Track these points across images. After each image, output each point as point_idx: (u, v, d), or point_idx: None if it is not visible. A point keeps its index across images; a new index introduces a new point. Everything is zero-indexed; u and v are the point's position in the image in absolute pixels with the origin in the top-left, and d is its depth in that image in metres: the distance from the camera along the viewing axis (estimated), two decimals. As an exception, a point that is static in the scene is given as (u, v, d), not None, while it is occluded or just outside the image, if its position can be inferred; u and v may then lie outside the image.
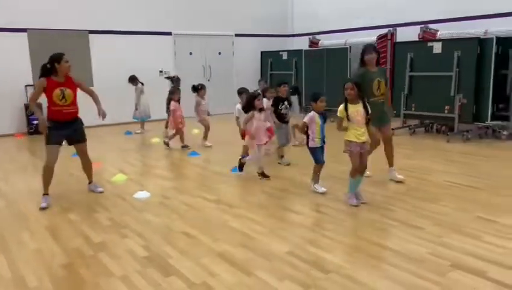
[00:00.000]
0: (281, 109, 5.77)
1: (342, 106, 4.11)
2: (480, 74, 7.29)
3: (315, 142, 4.54)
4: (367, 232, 3.62)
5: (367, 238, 3.47)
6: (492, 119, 7.37)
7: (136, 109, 8.99)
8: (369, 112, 4.14)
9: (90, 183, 4.94)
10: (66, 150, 4.98)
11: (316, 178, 4.64)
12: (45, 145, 4.43)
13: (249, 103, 5.16)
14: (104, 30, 10.02)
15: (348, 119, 4.08)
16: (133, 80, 8.95)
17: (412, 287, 2.66)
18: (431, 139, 7.71)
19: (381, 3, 10.28)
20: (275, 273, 2.88)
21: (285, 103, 5.83)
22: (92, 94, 4.68)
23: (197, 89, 7.44)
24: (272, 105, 5.86)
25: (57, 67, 4.31)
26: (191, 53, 11.57)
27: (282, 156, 5.94)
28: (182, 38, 11.31)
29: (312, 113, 4.55)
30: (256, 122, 5.12)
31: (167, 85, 9.90)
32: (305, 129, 4.57)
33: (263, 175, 5.23)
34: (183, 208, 4.34)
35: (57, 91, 4.32)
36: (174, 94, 7.40)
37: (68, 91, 4.37)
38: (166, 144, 7.37)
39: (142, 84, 8.99)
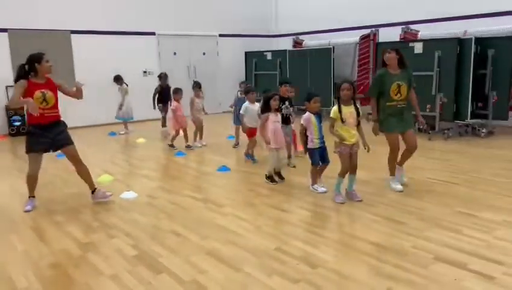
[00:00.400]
0: (281, 109, 5.43)
1: (335, 107, 4.12)
2: (460, 74, 7.48)
3: (314, 143, 4.48)
4: (352, 228, 3.72)
5: (352, 234, 3.56)
6: (472, 118, 7.58)
7: (120, 109, 8.94)
8: (361, 113, 4.20)
9: (93, 192, 4.49)
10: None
11: (313, 179, 4.63)
12: (26, 153, 4.20)
13: (266, 103, 4.99)
14: (86, 30, 9.94)
15: (342, 121, 4.09)
16: (117, 79, 8.91)
17: (395, 280, 2.75)
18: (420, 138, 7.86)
19: (363, 4, 10.44)
20: (264, 269, 2.94)
21: (286, 102, 5.55)
22: (75, 94, 4.37)
23: (192, 87, 7.47)
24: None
25: (38, 67, 4.05)
26: (175, 53, 11.56)
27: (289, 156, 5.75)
28: (166, 38, 11.29)
29: (307, 114, 4.49)
30: (272, 124, 4.95)
31: (151, 85, 9.87)
32: (304, 132, 4.51)
33: (271, 179, 5.03)
34: (171, 207, 4.37)
35: (38, 94, 4.03)
36: (177, 94, 7.19)
37: (50, 94, 4.10)
38: (171, 146, 7.20)
39: (127, 84, 8.97)
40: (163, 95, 8.48)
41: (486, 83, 7.52)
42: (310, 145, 4.52)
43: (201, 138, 7.48)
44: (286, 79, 6.33)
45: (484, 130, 7.56)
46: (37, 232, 3.78)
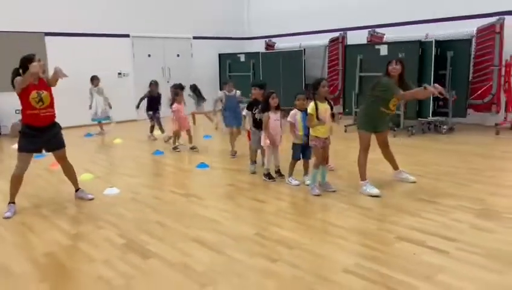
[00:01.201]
0: (255, 113, 5.33)
1: (312, 104, 4.43)
2: (422, 74, 7.97)
3: (298, 138, 4.77)
4: (324, 214, 4.06)
5: (324, 220, 3.90)
6: (433, 116, 8.09)
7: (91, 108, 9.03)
8: (333, 108, 4.55)
9: (77, 190, 4.67)
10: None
11: (290, 171, 4.93)
12: (17, 152, 4.24)
13: (266, 102, 5.03)
14: (60, 32, 9.95)
15: (317, 117, 4.40)
16: (93, 79, 9.01)
17: (363, 256, 3.09)
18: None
19: (332, 8, 10.89)
20: (245, 252, 3.22)
21: (260, 107, 5.28)
22: (50, 81, 4.25)
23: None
24: (246, 108, 5.57)
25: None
26: (149, 55, 11.69)
27: (254, 162, 5.58)
28: (141, 40, 11.41)
29: (294, 111, 4.78)
30: (272, 122, 5.04)
31: (126, 86, 10.08)
32: (293, 129, 4.77)
33: (269, 176, 5.13)
34: (154, 201, 4.59)
35: (34, 94, 4.10)
36: (178, 95, 7.09)
37: (45, 93, 4.16)
38: (175, 149, 7.10)
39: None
40: (153, 103, 8.34)
41: (446, 83, 8.05)
42: (294, 140, 4.83)
43: (190, 141, 7.66)
44: (258, 82, 5.90)
45: (445, 127, 8.09)
46: (25, 225, 3.92)
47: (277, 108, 5.04)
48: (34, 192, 4.94)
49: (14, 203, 4.28)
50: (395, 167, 5.01)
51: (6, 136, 9.21)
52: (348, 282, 2.73)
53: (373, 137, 4.77)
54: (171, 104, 7.33)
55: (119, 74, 11.03)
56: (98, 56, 10.41)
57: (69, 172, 4.62)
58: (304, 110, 4.71)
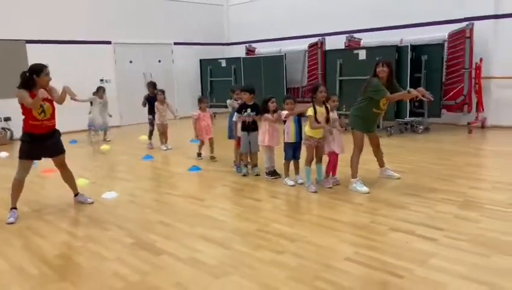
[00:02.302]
0: (245, 116, 5.47)
1: (311, 108, 4.69)
2: (399, 77, 8.34)
3: (290, 137, 4.99)
4: (319, 210, 4.31)
5: (320, 215, 4.14)
6: (410, 116, 8.50)
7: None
8: (329, 111, 4.80)
9: (76, 195, 4.74)
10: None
11: (285, 172, 5.17)
12: (18, 159, 4.30)
13: (264, 106, 5.26)
14: (42, 40, 9.92)
15: (316, 119, 4.66)
16: (99, 90, 8.97)
17: (361, 246, 3.34)
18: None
19: (311, 14, 11.25)
20: (250, 245, 3.42)
21: (248, 110, 5.49)
22: (58, 99, 4.30)
23: (156, 93, 7.82)
24: (237, 112, 5.64)
25: (36, 80, 4.12)
26: (131, 61, 11.75)
27: (246, 165, 5.72)
28: (122, 47, 11.46)
29: (285, 112, 5.02)
30: (269, 124, 5.25)
31: (109, 92, 10.07)
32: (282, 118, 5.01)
33: (272, 174, 5.38)
34: (153, 203, 4.73)
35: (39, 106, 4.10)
36: (201, 102, 6.81)
37: (47, 105, 4.19)
38: (199, 155, 6.88)
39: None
40: (152, 104, 7.90)
41: (421, 85, 8.47)
42: (286, 139, 5.05)
43: (166, 141, 7.82)
44: (247, 87, 5.79)
45: (421, 127, 8.52)
46: (31, 230, 4.00)
47: (274, 112, 5.25)
48: (32, 198, 4.98)
49: (16, 208, 4.33)
50: (381, 165, 5.31)
51: None
52: (350, 269, 2.97)
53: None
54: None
55: (101, 80, 11.03)
56: (80, 63, 10.44)
57: (69, 177, 4.70)
58: (298, 115, 4.98)
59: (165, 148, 7.74)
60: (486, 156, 6.86)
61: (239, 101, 5.84)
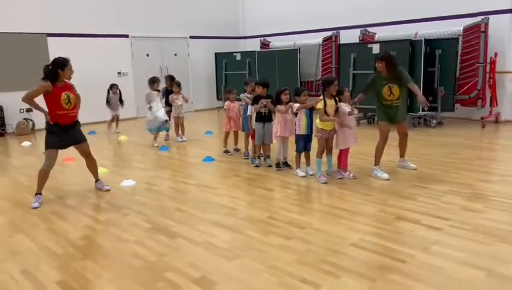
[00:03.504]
0: (261, 108, 5.59)
1: (321, 101, 4.85)
2: (412, 71, 8.40)
3: (301, 129, 5.13)
4: (328, 199, 4.46)
5: (329, 204, 4.29)
6: (423, 110, 8.55)
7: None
8: (338, 104, 4.95)
9: (96, 181, 5.02)
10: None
11: (297, 164, 5.31)
12: (45, 149, 4.54)
13: (277, 97, 5.37)
14: (62, 33, 10.22)
15: (326, 112, 4.83)
16: (154, 82, 7.70)
17: (367, 233, 3.49)
18: (373, 129, 8.75)
19: (325, 8, 11.31)
20: (261, 231, 3.60)
21: (264, 101, 5.56)
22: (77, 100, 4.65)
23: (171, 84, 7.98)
24: (251, 104, 5.83)
25: (60, 73, 4.39)
26: (148, 55, 11.99)
27: (259, 156, 5.88)
28: (139, 40, 11.71)
29: (297, 104, 5.13)
30: (281, 115, 5.37)
31: (126, 85, 10.36)
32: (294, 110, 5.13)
33: (281, 165, 5.54)
34: (170, 191, 4.95)
35: (64, 96, 4.41)
36: (230, 93, 6.61)
37: (72, 95, 4.48)
38: (226, 152, 6.71)
39: (159, 91, 7.86)
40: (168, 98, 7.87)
41: (435, 79, 8.53)
42: (297, 132, 5.19)
43: (183, 133, 8.03)
44: (262, 81, 5.82)
45: (434, 121, 8.56)
46: (55, 214, 4.25)
47: (286, 103, 5.37)
48: (55, 185, 5.25)
49: (40, 194, 4.59)
50: (401, 155, 5.48)
51: (12, 135, 9.46)
52: (356, 254, 3.12)
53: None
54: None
55: (119, 73, 11.32)
56: (98, 56, 10.74)
57: (92, 165, 4.97)
58: (309, 109, 5.09)
59: (180, 139, 7.95)
60: (497, 150, 6.89)
61: (250, 96, 6.03)
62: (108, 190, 4.95)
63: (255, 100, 5.72)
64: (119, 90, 9.42)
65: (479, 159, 5.90)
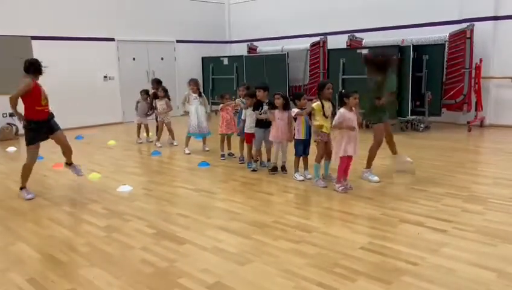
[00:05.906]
0: (260, 113, 5.57)
1: (319, 103, 4.87)
2: (400, 77, 8.55)
3: (300, 134, 5.14)
4: (330, 203, 4.47)
5: (331, 208, 4.32)
6: (411, 115, 8.70)
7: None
8: (335, 107, 4.98)
9: (70, 164, 5.22)
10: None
11: (295, 168, 5.31)
12: (27, 146, 4.77)
13: (272, 102, 5.43)
14: (47, 36, 9.99)
15: (324, 114, 4.85)
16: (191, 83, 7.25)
17: (374, 236, 3.52)
18: (363, 133, 8.85)
19: (312, 13, 11.41)
20: (269, 236, 3.59)
21: (265, 107, 5.56)
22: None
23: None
24: (252, 110, 5.77)
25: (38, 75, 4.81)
26: (134, 58, 11.85)
27: (256, 160, 5.88)
28: (125, 44, 11.56)
29: (297, 109, 5.13)
30: (277, 120, 5.35)
31: (112, 89, 10.17)
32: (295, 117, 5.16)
33: (282, 169, 5.55)
34: (168, 196, 4.88)
35: (43, 92, 4.75)
36: (223, 98, 6.66)
37: (46, 93, 4.83)
38: (230, 154, 6.70)
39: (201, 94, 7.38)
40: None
41: (422, 84, 8.69)
42: (296, 136, 5.20)
43: (173, 138, 7.93)
44: (262, 84, 5.85)
45: (422, 125, 8.72)
46: (54, 221, 4.13)
47: (285, 109, 5.36)
48: (47, 191, 5.12)
49: (25, 188, 4.84)
50: (395, 152, 5.60)
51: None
52: (366, 257, 3.14)
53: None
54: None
55: (105, 77, 11.14)
56: (83, 59, 10.54)
57: (68, 151, 5.16)
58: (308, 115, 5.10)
59: (159, 145, 7.74)
60: (485, 153, 7.07)
61: (244, 100, 6.02)
62: (81, 176, 5.31)
63: (257, 106, 5.67)
64: (151, 97, 8.10)
65: (471, 162, 6.04)
